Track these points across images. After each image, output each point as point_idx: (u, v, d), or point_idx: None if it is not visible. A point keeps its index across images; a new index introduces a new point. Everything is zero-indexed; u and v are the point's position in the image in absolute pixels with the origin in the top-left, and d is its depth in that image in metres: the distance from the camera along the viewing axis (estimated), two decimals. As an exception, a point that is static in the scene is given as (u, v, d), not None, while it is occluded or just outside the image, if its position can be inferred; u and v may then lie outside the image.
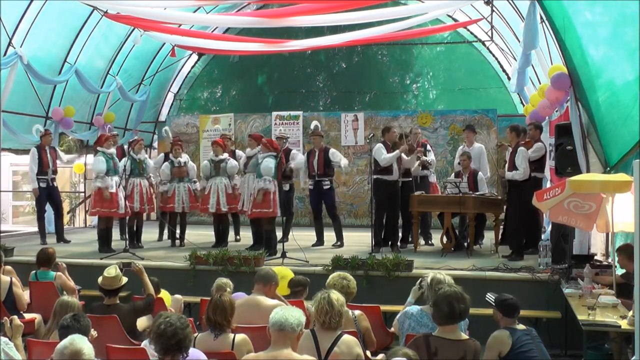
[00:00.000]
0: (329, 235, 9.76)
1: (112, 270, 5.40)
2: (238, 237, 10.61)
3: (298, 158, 9.77)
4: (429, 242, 10.08)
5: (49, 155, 10.52)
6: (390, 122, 12.40)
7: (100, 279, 5.42)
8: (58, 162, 11.03)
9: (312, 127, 10.13)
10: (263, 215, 9.01)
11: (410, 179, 9.62)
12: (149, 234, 10.81)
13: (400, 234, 9.60)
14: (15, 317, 4.51)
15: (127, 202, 9.50)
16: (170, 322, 3.53)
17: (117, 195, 9.45)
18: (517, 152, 8.40)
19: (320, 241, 9.73)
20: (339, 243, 9.56)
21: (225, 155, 9.92)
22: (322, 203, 9.80)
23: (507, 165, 8.73)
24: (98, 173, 9.47)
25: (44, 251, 6.80)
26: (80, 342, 3.33)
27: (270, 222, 9.10)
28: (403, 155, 9.21)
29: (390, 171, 9.09)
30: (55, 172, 10.69)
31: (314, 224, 10.02)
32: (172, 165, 10.06)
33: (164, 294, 6.28)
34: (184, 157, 10.23)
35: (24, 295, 6.23)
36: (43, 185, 10.49)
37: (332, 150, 9.74)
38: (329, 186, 9.65)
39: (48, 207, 10.92)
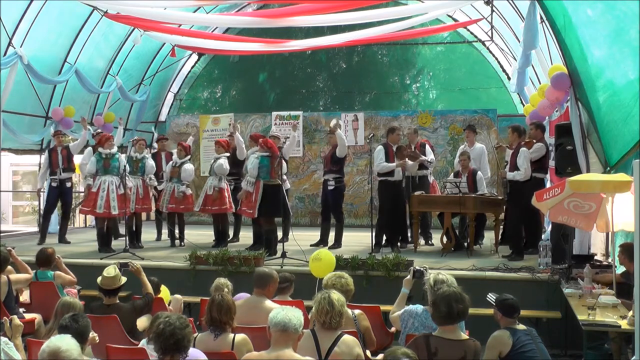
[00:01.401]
0: (331, 237, 9.67)
1: (111, 270, 5.40)
2: (235, 238, 10.61)
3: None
4: (429, 242, 10.07)
5: (59, 155, 10.53)
6: (391, 122, 12.42)
7: (99, 279, 5.41)
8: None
9: (331, 125, 9.74)
10: (246, 215, 9.43)
11: (405, 177, 9.62)
12: (149, 234, 10.81)
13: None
14: (15, 317, 4.51)
15: (121, 202, 9.45)
16: (169, 322, 3.52)
17: (97, 195, 9.39)
18: (519, 152, 8.38)
19: (323, 242, 9.61)
20: (335, 245, 9.46)
21: (223, 154, 9.95)
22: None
23: (508, 165, 8.72)
24: (87, 173, 9.63)
25: (43, 252, 6.79)
26: (58, 341, 3.30)
27: (270, 222, 9.10)
28: (408, 160, 9.21)
29: (392, 173, 9.09)
30: (67, 170, 10.66)
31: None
32: (173, 165, 10.12)
33: (162, 290, 6.29)
34: (185, 158, 10.23)
35: (21, 277, 6.24)
36: (54, 185, 10.55)
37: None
38: (333, 186, 9.46)
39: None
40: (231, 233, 10.56)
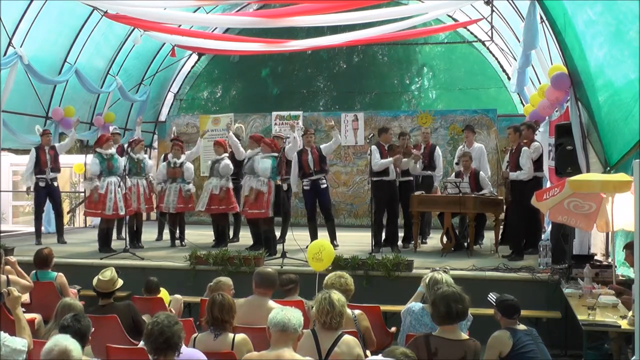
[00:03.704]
0: (322, 236, 9.62)
1: (107, 273, 5.38)
2: (235, 238, 10.60)
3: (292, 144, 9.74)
4: (424, 240, 10.09)
5: (47, 154, 10.47)
6: (390, 122, 12.42)
7: (95, 281, 5.40)
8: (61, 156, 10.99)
9: (301, 125, 9.97)
10: (255, 216, 9.06)
11: (411, 178, 9.65)
12: (149, 234, 10.81)
13: (400, 234, 9.61)
14: (13, 288, 4.54)
15: (124, 202, 9.46)
16: (157, 322, 3.52)
17: (106, 197, 9.41)
18: (522, 152, 8.40)
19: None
20: (336, 244, 9.46)
21: (224, 155, 9.94)
22: (317, 203, 9.63)
23: (509, 165, 8.69)
24: (91, 174, 9.55)
25: (39, 253, 6.74)
26: (65, 341, 3.30)
27: (268, 222, 9.09)
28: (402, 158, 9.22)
29: (387, 172, 9.10)
30: (54, 170, 10.61)
31: (308, 225, 9.78)
32: (168, 165, 10.10)
33: (162, 294, 6.28)
34: (182, 158, 10.23)
35: (20, 281, 6.21)
36: (42, 184, 10.46)
37: (322, 145, 9.63)
38: (325, 185, 9.51)
39: (48, 207, 10.93)
40: (231, 233, 10.55)
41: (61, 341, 3.30)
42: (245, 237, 10.14)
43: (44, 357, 3.27)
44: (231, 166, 9.80)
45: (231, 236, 10.50)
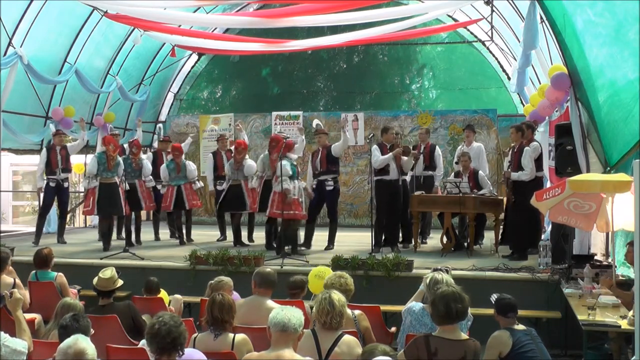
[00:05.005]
0: (320, 236, 9.54)
1: (107, 272, 5.39)
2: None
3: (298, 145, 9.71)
4: (424, 240, 10.09)
5: (58, 155, 10.50)
6: (391, 122, 12.42)
7: (95, 280, 5.41)
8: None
9: (314, 125, 9.97)
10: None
11: (406, 178, 9.64)
12: (148, 234, 10.80)
13: (400, 234, 9.60)
14: (15, 290, 4.55)
15: (125, 202, 9.51)
16: (163, 322, 3.53)
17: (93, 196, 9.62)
18: (524, 152, 8.40)
19: (307, 244, 9.42)
20: (331, 247, 9.38)
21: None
22: (322, 205, 9.57)
23: (511, 165, 8.68)
24: (88, 174, 9.72)
25: (39, 253, 6.72)
26: (84, 342, 3.34)
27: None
28: (403, 157, 9.20)
29: (387, 171, 9.08)
30: (65, 170, 10.64)
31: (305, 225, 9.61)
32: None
33: (162, 295, 6.28)
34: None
35: (26, 295, 6.19)
36: (52, 184, 10.52)
37: (333, 145, 9.48)
38: (332, 187, 9.33)
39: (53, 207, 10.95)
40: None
41: (80, 341, 3.33)
42: (257, 237, 10.08)
43: (59, 356, 3.29)
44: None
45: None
